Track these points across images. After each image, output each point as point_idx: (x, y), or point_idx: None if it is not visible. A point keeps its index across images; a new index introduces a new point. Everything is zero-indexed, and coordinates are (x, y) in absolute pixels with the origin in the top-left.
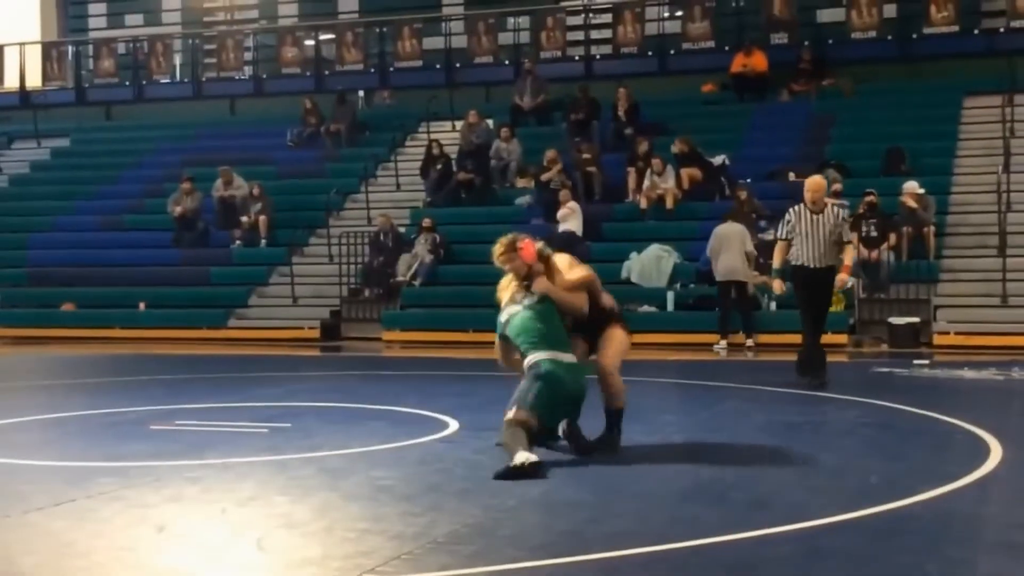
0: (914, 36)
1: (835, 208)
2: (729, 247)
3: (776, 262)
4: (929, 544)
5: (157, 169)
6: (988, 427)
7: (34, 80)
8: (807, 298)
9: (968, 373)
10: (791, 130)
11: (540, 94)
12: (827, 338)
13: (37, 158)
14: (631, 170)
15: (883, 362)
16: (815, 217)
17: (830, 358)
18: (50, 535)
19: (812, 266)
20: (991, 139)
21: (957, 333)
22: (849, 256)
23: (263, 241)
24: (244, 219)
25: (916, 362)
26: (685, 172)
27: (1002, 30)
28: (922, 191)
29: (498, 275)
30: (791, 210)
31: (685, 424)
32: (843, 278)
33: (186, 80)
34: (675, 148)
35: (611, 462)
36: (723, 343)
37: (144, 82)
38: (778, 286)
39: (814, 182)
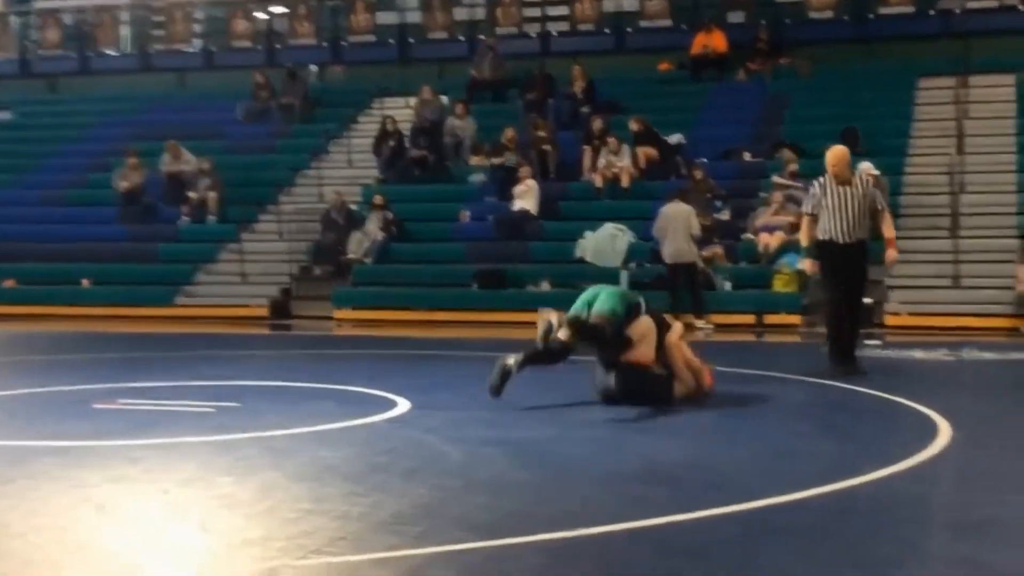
0: (870, 16)
1: (864, 177)
2: (675, 229)
3: (804, 239)
4: (876, 524)
5: (102, 143)
6: (938, 408)
7: None
8: (833, 276)
9: (919, 354)
10: (746, 110)
11: (499, 70)
12: (779, 318)
13: None
14: (586, 148)
15: None
16: (842, 189)
17: (783, 338)
18: None
19: (840, 241)
20: (945, 120)
21: (909, 314)
22: (890, 228)
23: (212, 217)
24: (192, 195)
25: (868, 343)
26: (641, 151)
27: (957, 11)
28: (877, 172)
29: (451, 253)
30: (816, 183)
31: (639, 405)
32: (892, 255)
33: (134, 52)
34: (631, 127)
35: (563, 443)
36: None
37: (90, 54)
38: (809, 266)
39: (833, 154)
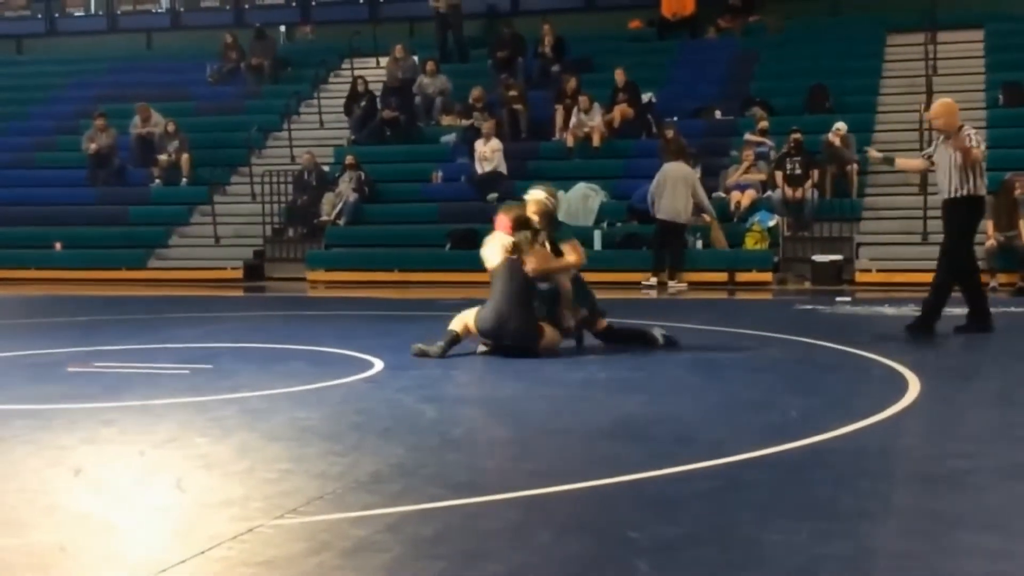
0: None
1: (966, 130)
2: (674, 188)
3: (899, 163)
4: (845, 477)
5: (70, 105)
6: (907, 363)
7: None
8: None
9: (889, 310)
10: (716, 67)
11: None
12: (751, 276)
13: None
14: (558, 107)
15: (806, 299)
16: (947, 142)
17: (755, 296)
18: None
19: (942, 196)
20: (914, 77)
21: (879, 270)
22: (979, 188)
23: (184, 180)
24: (163, 157)
25: (838, 299)
26: (618, 109)
27: None
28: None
29: (424, 213)
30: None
31: (610, 361)
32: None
33: (100, 13)
34: (618, 77)
35: (535, 401)
36: (653, 280)
37: (57, 15)
38: (873, 154)
39: (935, 107)
